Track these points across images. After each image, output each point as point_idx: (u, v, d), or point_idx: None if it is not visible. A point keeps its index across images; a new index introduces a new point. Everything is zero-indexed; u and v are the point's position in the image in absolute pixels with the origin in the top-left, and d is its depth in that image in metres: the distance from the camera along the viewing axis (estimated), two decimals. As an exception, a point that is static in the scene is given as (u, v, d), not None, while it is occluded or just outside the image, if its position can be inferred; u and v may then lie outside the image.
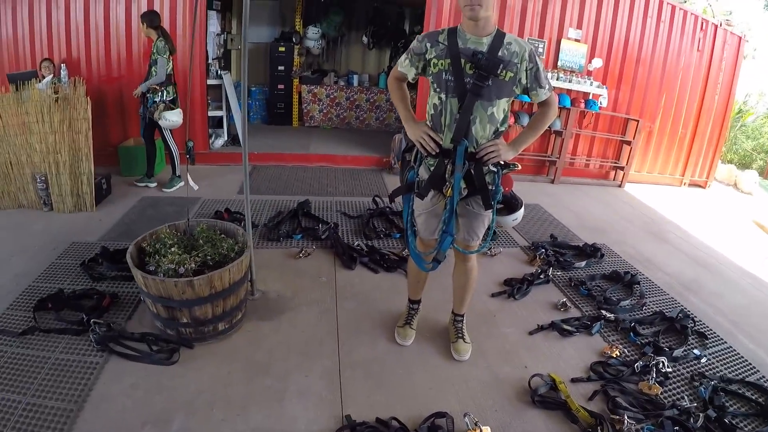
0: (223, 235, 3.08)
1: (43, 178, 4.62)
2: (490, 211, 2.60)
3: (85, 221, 4.59)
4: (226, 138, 7.15)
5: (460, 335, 3.07)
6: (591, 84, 7.44)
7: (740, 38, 8.79)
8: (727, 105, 9.17)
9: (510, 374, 2.94)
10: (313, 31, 8.83)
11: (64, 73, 5.79)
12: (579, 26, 7.37)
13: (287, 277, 3.72)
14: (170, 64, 5.16)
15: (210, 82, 6.74)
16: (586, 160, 8.27)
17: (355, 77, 9.35)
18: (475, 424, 2.42)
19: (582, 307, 3.84)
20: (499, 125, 2.45)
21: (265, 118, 8.92)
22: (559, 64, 7.33)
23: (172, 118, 5.14)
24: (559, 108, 6.96)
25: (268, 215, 4.76)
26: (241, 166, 3.34)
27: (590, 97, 7.53)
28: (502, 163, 2.52)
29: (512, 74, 2.36)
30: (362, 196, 5.62)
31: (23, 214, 4.72)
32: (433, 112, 2.48)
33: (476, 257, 2.93)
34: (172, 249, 2.81)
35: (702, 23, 8.24)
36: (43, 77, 5.55)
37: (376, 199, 5.11)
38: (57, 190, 4.68)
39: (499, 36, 2.34)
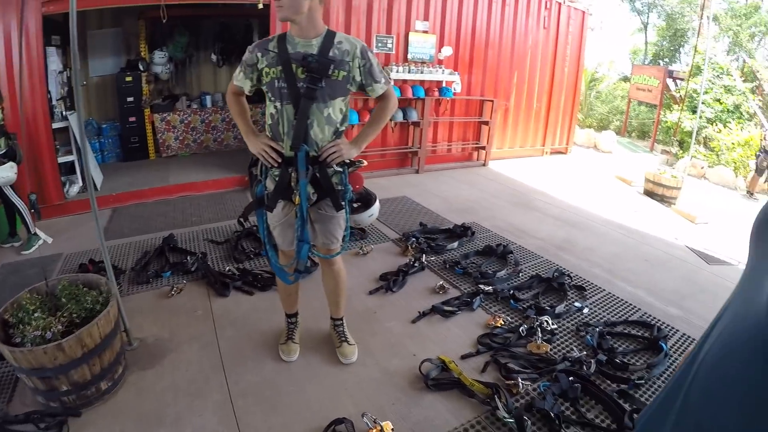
0: (86, 289, 2.87)
1: None
2: (343, 211, 2.60)
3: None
4: (81, 183, 6.64)
5: (343, 339, 3.05)
6: (443, 72, 7.71)
7: (584, 13, 9.61)
8: (577, 75, 9.98)
9: (400, 366, 2.97)
10: (159, 56, 8.44)
11: None
12: (426, 18, 7.61)
13: (162, 318, 3.52)
14: (-3, 114, 4.69)
15: (56, 125, 6.21)
16: (448, 146, 8.56)
17: (208, 98, 9.02)
18: (374, 422, 2.43)
19: (460, 286, 3.96)
20: (338, 125, 2.45)
21: (120, 155, 8.36)
22: (409, 57, 7.51)
23: (3, 174, 4.68)
24: (413, 99, 7.18)
25: (134, 258, 4.48)
26: (101, 211, 3.10)
27: (444, 85, 7.80)
28: (347, 161, 2.51)
29: (345, 73, 2.36)
30: (228, 220, 5.45)
31: None
32: (270, 121, 2.44)
33: (345, 258, 2.91)
34: (36, 314, 2.59)
35: (546, 2, 8.86)
36: None
37: (242, 219, 4.93)
38: None
39: (330, 36, 2.34)
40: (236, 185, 6.92)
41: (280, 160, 2.40)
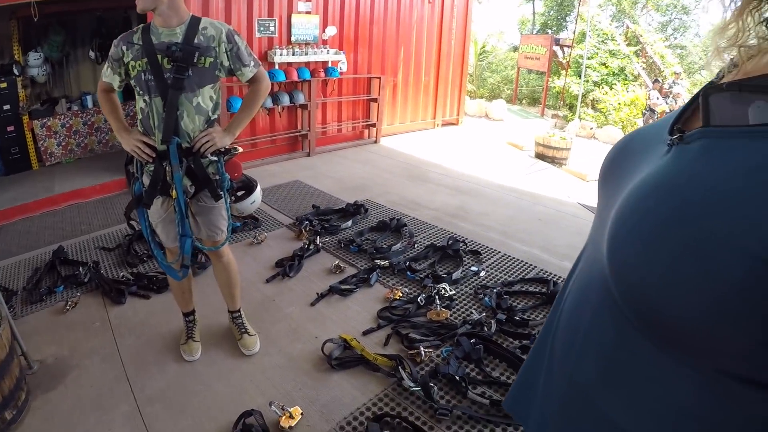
0: (-23, 317, 2.74)
1: None
2: (223, 200, 2.61)
3: None
4: (-39, 206, 6.20)
5: (243, 330, 3.06)
6: (328, 52, 7.71)
7: (469, -14, 9.80)
8: (464, 48, 10.24)
9: (303, 350, 3.02)
10: (34, 57, 7.87)
11: None
12: (308, -1, 7.53)
13: (60, 335, 3.38)
14: None
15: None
16: (338, 126, 8.57)
17: (89, 98, 8.46)
18: (282, 409, 2.46)
19: (356, 264, 4.05)
20: (210, 114, 2.46)
21: (1, 169, 7.81)
22: (292, 39, 7.42)
23: None
24: (300, 81, 7.13)
25: (25, 276, 4.24)
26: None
27: (330, 65, 7.80)
28: (222, 150, 2.52)
29: (212, 59, 2.36)
30: (119, 224, 5.24)
31: None
32: (141, 116, 2.42)
33: (240, 248, 2.92)
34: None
35: (429, -23, 8.94)
36: None
37: (132, 223, 4.79)
38: None
39: (194, 23, 2.33)
40: (125, 187, 6.62)
41: (153, 155, 2.38)
